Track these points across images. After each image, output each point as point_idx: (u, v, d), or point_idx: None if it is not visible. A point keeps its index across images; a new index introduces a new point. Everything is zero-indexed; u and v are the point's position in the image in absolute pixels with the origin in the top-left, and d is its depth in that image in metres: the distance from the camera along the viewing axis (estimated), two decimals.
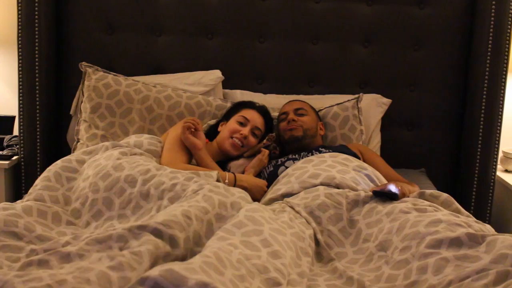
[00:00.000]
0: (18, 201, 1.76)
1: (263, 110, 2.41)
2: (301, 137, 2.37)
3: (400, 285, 1.44)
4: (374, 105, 2.71)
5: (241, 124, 2.31)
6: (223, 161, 2.34)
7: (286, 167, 2.20)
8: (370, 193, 1.86)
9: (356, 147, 2.43)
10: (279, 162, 2.28)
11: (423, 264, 1.44)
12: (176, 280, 1.14)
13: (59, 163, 1.97)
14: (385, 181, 2.13)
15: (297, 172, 2.05)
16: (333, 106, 2.61)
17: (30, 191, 1.86)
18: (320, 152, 2.27)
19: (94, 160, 1.97)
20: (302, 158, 2.23)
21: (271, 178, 2.21)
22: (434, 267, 1.42)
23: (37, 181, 1.89)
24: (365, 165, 2.15)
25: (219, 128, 2.38)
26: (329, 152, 2.23)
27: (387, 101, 2.73)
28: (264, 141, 2.34)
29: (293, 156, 2.31)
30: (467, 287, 1.30)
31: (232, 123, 2.32)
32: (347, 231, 1.77)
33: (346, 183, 1.94)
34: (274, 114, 2.52)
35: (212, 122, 2.50)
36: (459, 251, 1.44)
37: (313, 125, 2.43)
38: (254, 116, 2.34)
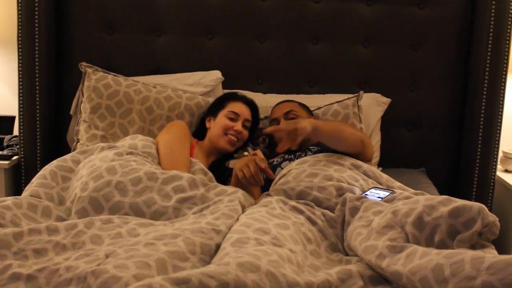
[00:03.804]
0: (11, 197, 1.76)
1: (248, 101, 2.41)
2: (301, 143, 2.37)
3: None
4: (373, 104, 2.70)
5: (232, 119, 2.31)
6: (219, 159, 2.35)
7: (282, 168, 2.21)
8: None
9: None
10: (275, 162, 2.28)
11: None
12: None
13: (54, 162, 1.99)
14: (381, 175, 2.13)
15: (294, 172, 2.05)
16: (333, 104, 2.60)
17: (26, 188, 1.89)
18: (312, 151, 2.27)
19: (89, 160, 1.97)
20: (298, 158, 2.23)
21: (268, 180, 2.21)
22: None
23: (33, 179, 1.92)
24: (360, 162, 2.15)
25: (207, 124, 2.37)
26: (319, 149, 2.23)
27: (386, 101, 2.73)
28: (260, 142, 2.36)
29: (289, 156, 2.30)
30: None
31: (223, 119, 2.31)
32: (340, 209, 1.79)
33: (347, 181, 1.94)
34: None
35: None
36: None
37: None
38: (242, 109, 2.35)
